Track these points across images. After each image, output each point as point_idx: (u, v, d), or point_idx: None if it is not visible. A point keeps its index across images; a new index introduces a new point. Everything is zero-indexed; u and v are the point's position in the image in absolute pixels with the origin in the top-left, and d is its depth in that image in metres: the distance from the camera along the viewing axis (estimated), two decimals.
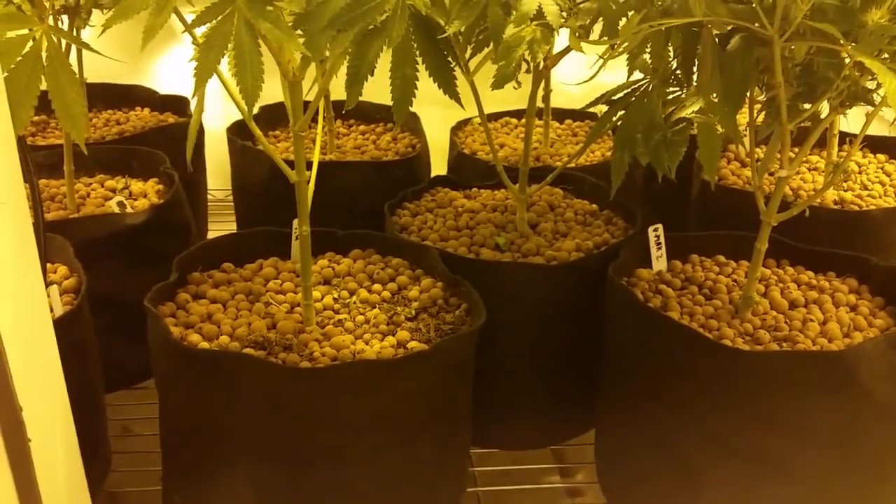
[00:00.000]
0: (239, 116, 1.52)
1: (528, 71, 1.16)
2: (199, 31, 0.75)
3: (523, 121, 1.61)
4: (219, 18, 0.69)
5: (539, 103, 1.59)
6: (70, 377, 0.88)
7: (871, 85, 0.90)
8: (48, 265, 1.14)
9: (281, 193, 1.08)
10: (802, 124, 0.97)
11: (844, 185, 1.41)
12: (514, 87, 1.12)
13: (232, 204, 1.66)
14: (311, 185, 0.97)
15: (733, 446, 0.94)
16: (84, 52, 1.50)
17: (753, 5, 0.85)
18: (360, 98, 1.13)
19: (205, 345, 0.92)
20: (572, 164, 1.51)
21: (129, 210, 1.29)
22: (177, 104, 1.73)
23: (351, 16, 0.72)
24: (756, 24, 0.86)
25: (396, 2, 0.75)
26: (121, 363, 1.25)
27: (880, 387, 0.92)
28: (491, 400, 1.17)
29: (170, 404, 0.97)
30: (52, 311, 1.02)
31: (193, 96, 0.70)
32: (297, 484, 0.90)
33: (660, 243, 1.15)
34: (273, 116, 1.63)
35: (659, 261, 1.15)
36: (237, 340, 0.93)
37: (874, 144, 1.53)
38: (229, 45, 0.68)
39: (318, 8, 0.72)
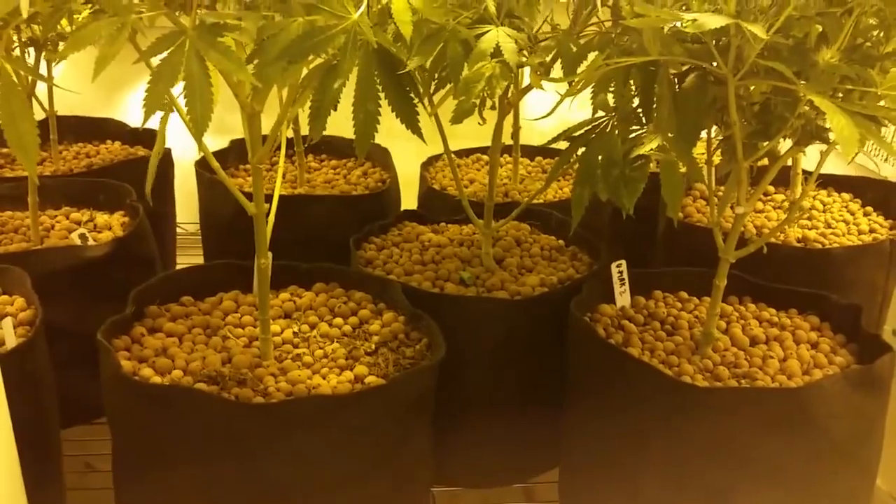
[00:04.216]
0: (211, 149, 1.53)
1: (493, 107, 1.17)
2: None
3: None
4: (170, 49, 0.69)
5: (509, 140, 1.61)
6: (21, 410, 0.86)
7: (825, 123, 0.92)
8: (5, 297, 1.13)
9: (248, 227, 1.07)
10: (762, 162, 0.98)
11: (808, 223, 1.42)
12: (479, 123, 1.13)
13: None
14: (272, 218, 0.97)
15: (692, 482, 0.94)
16: (59, 86, 1.51)
17: (707, 44, 0.87)
18: (332, 133, 1.13)
19: (157, 379, 0.91)
20: (541, 200, 1.52)
21: (91, 242, 1.28)
22: (148, 137, 1.73)
23: (301, 48, 0.72)
24: (712, 64, 0.87)
25: (347, 36, 0.75)
26: (83, 397, 1.23)
27: (838, 424, 0.91)
28: (454, 436, 1.16)
29: (122, 440, 0.95)
30: (3, 343, 1.01)
31: (142, 126, 0.69)
32: None
33: (623, 279, 1.15)
34: (245, 150, 1.63)
35: (622, 296, 1.15)
36: (190, 375, 0.92)
37: (839, 183, 1.55)
38: (180, 76, 0.68)
39: (269, 40, 0.72)
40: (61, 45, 1.38)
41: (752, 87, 0.91)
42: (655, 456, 0.97)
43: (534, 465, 1.27)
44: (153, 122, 0.81)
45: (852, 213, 1.47)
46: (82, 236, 1.29)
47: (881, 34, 0.85)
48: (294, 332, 1.05)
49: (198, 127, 0.68)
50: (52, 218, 1.41)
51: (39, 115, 1.53)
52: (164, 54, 0.71)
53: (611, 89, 1.00)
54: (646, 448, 0.98)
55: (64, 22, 1.30)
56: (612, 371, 1.00)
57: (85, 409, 1.30)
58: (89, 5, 1.06)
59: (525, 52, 1.01)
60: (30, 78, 1.30)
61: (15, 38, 1.32)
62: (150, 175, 0.93)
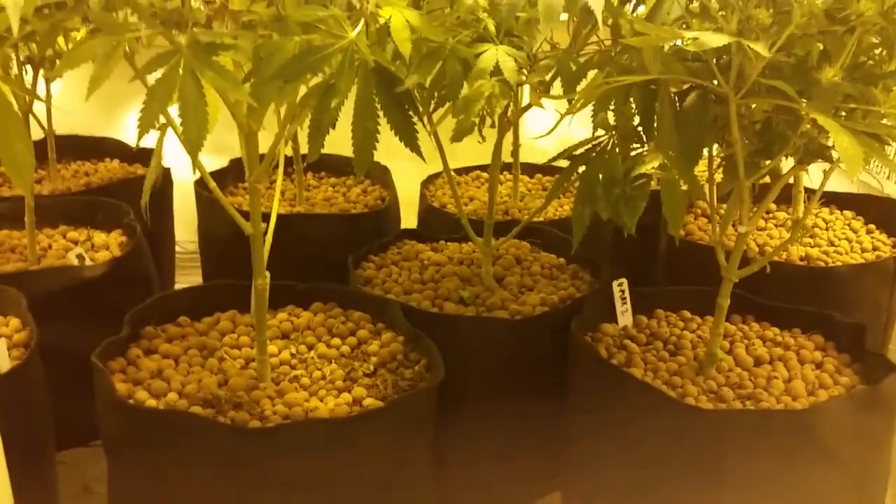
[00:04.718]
0: (211, 168, 1.52)
1: (492, 125, 1.17)
2: None
3: None
4: (165, 68, 0.68)
5: (509, 158, 1.61)
6: (15, 433, 0.85)
7: (828, 142, 0.91)
8: None
9: (247, 246, 1.07)
10: (763, 181, 0.97)
11: (811, 241, 1.41)
12: (479, 142, 1.12)
13: None
14: (269, 238, 0.96)
15: None
16: (57, 105, 1.51)
17: (708, 63, 0.86)
18: (332, 151, 1.13)
19: (151, 402, 0.89)
20: (541, 218, 1.51)
21: (88, 262, 1.26)
22: (147, 156, 1.72)
23: (298, 67, 0.71)
24: (713, 82, 0.86)
25: (344, 55, 0.74)
26: (81, 419, 1.21)
27: (844, 445, 0.90)
28: (455, 458, 1.14)
29: (117, 464, 0.93)
30: None
31: (137, 145, 0.69)
32: None
33: (625, 298, 1.14)
34: (244, 169, 1.62)
35: (624, 316, 1.14)
36: (186, 398, 0.90)
37: (841, 201, 1.54)
38: (175, 95, 0.67)
39: (266, 59, 0.72)
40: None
41: (753, 106, 0.90)
42: (659, 478, 0.95)
43: (536, 486, 1.25)
44: (151, 141, 0.81)
45: (855, 232, 1.46)
46: (79, 256, 1.28)
47: (884, 52, 0.84)
48: (291, 353, 1.04)
49: (192, 146, 0.68)
50: (49, 237, 1.40)
51: (38, 134, 1.52)
52: (160, 73, 0.70)
53: (611, 108, 0.99)
54: (649, 471, 0.96)
55: (62, 41, 1.30)
56: (615, 392, 0.99)
57: (83, 432, 1.28)
58: (87, 24, 1.06)
59: (525, 71, 1.00)
60: (27, 97, 1.30)
61: (13, 56, 1.31)
62: (146, 190, 0.93)
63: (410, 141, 0.92)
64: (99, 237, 1.40)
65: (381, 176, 1.65)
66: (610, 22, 0.99)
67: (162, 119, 0.77)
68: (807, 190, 1.42)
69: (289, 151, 1.55)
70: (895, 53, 0.83)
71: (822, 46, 0.84)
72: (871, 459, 0.95)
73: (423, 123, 1.02)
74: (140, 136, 0.68)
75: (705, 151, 0.96)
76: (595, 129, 1.06)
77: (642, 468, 0.96)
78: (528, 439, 1.19)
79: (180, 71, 0.68)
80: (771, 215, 1.51)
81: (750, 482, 0.90)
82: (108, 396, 0.87)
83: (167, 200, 1.68)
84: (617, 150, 1.00)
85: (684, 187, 0.96)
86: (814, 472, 0.90)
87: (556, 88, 1.04)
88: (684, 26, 0.90)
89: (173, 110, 0.73)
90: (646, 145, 0.98)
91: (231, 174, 1.64)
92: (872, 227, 1.48)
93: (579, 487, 1.10)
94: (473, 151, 1.34)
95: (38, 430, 1.06)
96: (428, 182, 1.67)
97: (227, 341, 1.05)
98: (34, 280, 1.20)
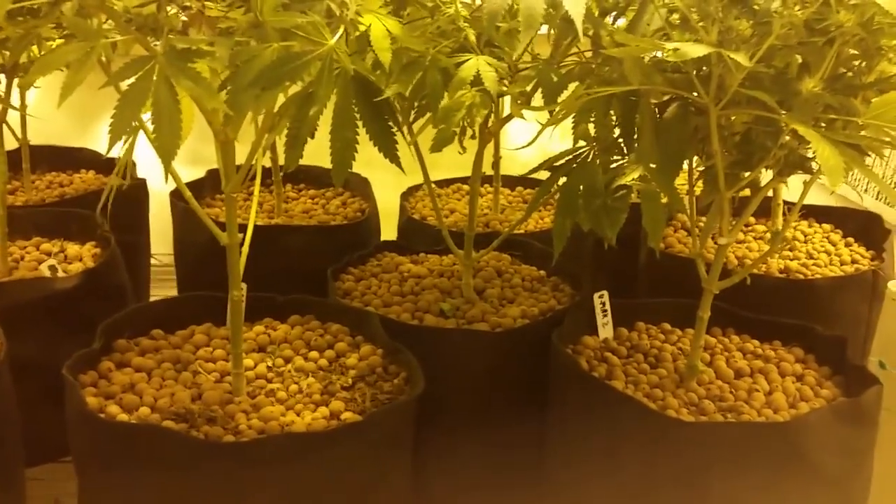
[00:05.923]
0: (188, 180, 1.50)
1: (473, 136, 1.16)
2: None
3: None
4: (139, 74, 0.67)
5: (490, 170, 1.60)
6: None
7: (808, 153, 0.91)
8: None
9: (223, 258, 1.05)
10: (743, 193, 0.97)
11: (790, 254, 1.42)
12: (460, 152, 1.11)
13: None
14: (245, 249, 0.94)
15: None
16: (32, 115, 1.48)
17: (689, 74, 0.86)
18: (311, 162, 1.11)
19: (123, 417, 0.87)
20: (522, 231, 1.50)
21: (60, 274, 1.24)
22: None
23: (276, 74, 0.70)
24: (693, 93, 0.86)
25: (323, 63, 0.73)
26: (52, 434, 1.19)
27: (826, 458, 0.90)
28: (434, 471, 1.13)
29: (88, 479, 0.91)
30: None
31: (107, 153, 0.67)
32: None
33: (605, 310, 1.13)
34: (220, 180, 1.60)
35: (605, 328, 1.13)
36: (158, 412, 0.88)
37: (820, 214, 1.54)
38: (148, 102, 0.66)
39: (243, 66, 0.71)
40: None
41: (733, 118, 0.90)
42: (640, 491, 0.94)
43: (517, 499, 1.23)
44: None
45: (834, 244, 1.46)
46: (52, 268, 1.25)
47: (863, 64, 0.84)
48: (268, 367, 1.02)
49: (165, 154, 0.66)
50: (22, 248, 1.38)
51: (13, 144, 1.50)
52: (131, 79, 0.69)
53: (592, 119, 0.99)
54: (630, 483, 0.95)
55: (37, 50, 1.28)
56: (596, 405, 0.98)
57: (54, 447, 1.25)
58: (61, 30, 1.04)
59: (506, 82, 1.00)
60: (1, 105, 1.28)
61: None
62: (106, 192, 0.91)
63: (389, 151, 0.92)
64: (72, 248, 1.37)
65: (361, 188, 1.64)
66: (591, 33, 0.98)
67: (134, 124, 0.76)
68: (786, 202, 1.43)
69: (267, 162, 1.53)
70: (874, 64, 0.83)
71: (800, 59, 0.84)
72: (853, 472, 0.95)
73: (403, 134, 1.01)
74: (111, 143, 0.67)
75: (685, 163, 0.95)
76: (576, 140, 1.05)
77: (623, 480, 0.95)
78: (509, 452, 1.18)
79: (154, 77, 0.66)
80: (750, 228, 1.51)
81: (731, 495, 0.89)
82: (79, 410, 0.85)
83: (143, 212, 1.65)
84: (598, 161, 1.00)
85: (664, 200, 0.96)
86: (795, 485, 0.90)
87: (538, 100, 1.04)
88: (665, 37, 0.89)
89: (147, 118, 0.71)
90: (626, 157, 0.98)
91: (207, 185, 1.62)
92: (851, 240, 1.48)
93: (560, 498, 1.09)
94: (454, 163, 1.33)
95: (8, 444, 1.03)
96: (408, 194, 1.66)
97: (202, 354, 1.03)
98: (5, 292, 1.17)
